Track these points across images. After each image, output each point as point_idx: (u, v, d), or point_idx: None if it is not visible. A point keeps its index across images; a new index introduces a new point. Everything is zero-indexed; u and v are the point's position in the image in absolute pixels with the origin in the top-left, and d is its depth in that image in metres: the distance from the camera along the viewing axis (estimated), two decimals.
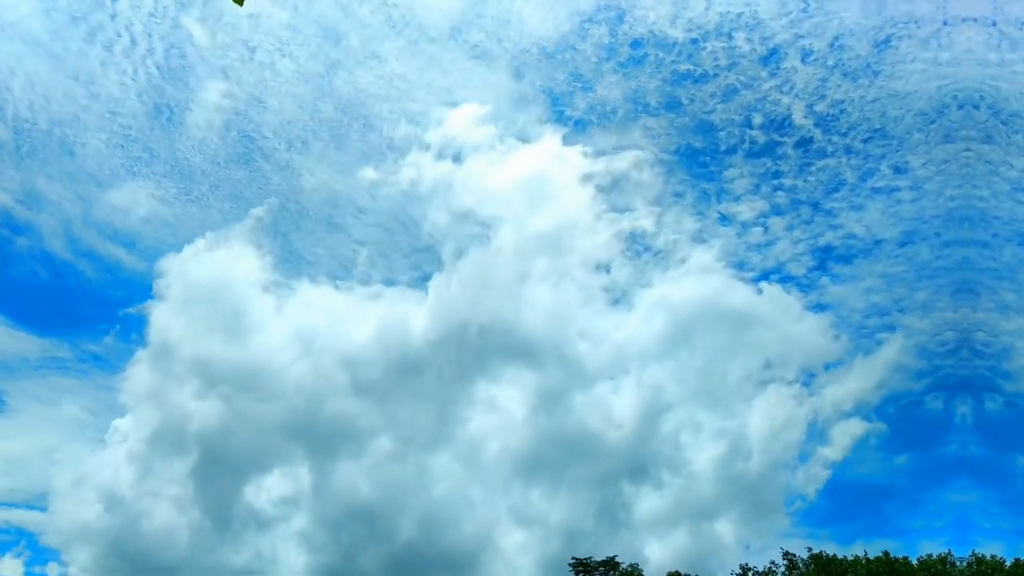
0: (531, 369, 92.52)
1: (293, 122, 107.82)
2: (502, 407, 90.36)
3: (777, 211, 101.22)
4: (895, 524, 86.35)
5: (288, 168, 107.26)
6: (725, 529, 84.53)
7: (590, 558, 67.70)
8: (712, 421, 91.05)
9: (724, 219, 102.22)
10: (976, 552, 59.77)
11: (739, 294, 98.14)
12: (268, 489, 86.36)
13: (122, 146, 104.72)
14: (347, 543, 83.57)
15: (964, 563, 59.44)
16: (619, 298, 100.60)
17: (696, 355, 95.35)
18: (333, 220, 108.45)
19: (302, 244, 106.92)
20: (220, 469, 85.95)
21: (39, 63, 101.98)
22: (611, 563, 67.24)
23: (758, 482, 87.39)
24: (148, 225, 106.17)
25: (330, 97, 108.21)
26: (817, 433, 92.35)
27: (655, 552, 77.02)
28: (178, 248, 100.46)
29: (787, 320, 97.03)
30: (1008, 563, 58.06)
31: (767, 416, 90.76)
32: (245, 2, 4.13)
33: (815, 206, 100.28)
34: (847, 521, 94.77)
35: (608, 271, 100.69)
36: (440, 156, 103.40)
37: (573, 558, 68.01)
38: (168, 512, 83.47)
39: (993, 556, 59.12)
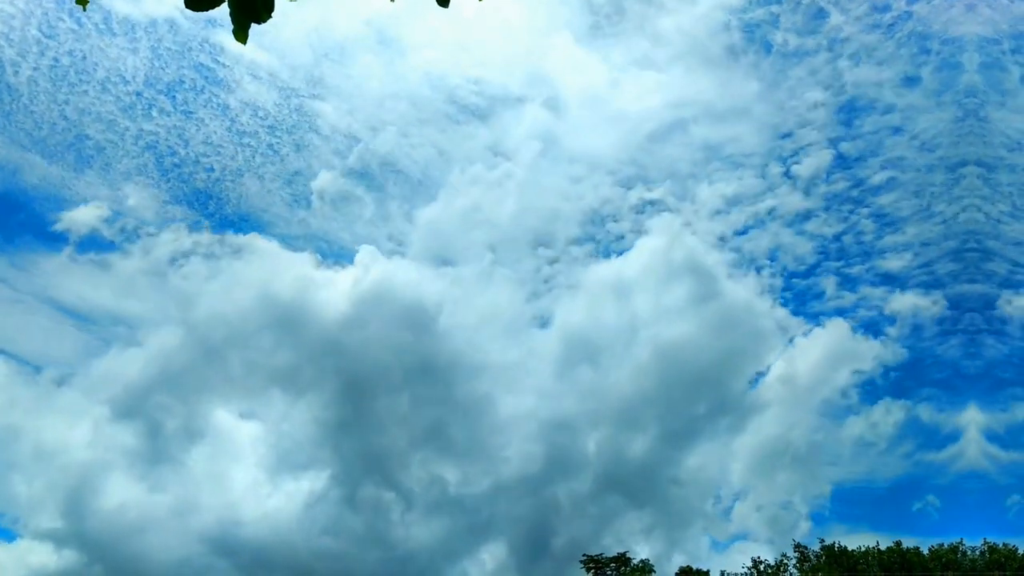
0: None
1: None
2: None
3: None
4: None
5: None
6: None
7: (601, 555, 67.67)
8: None
9: None
10: (988, 540, 59.83)
11: None
12: None
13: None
14: None
15: (976, 552, 59.45)
16: None
17: None
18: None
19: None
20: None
21: None
22: (622, 559, 67.19)
23: None
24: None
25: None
26: None
27: None
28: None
29: None
30: (1021, 551, 58.14)
31: None
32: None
33: None
34: None
35: None
36: None
37: (584, 555, 68.02)
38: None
39: (1006, 544, 59.19)
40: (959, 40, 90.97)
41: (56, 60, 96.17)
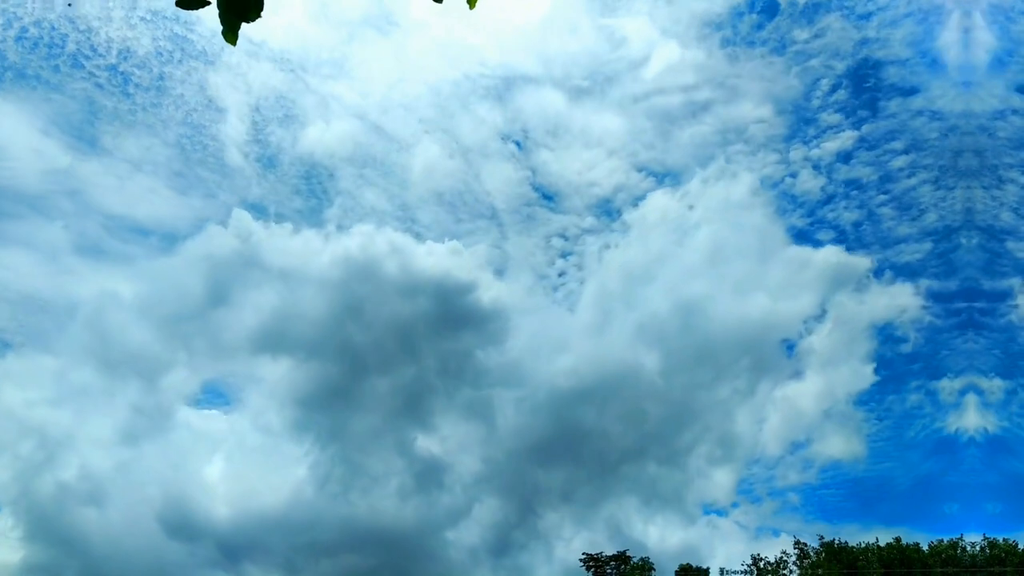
0: None
1: None
2: None
3: None
4: None
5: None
6: None
7: (601, 553, 67.56)
8: None
9: None
10: (988, 536, 59.78)
11: None
12: None
13: None
14: None
15: (977, 547, 59.39)
16: None
17: None
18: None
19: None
20: None
21: None
22: (622, 557, 67.07)
23: None
24: None
25: None
26: None
27: None
28: None
29: None
30: (1021, 547, 58.09)
31: None
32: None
33: None
34: None
35: None
36: None
37: (584, 553, 67.95)
38: None
39: (1006, 539, 59.14)
40: None
41: (24, 31, 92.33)
